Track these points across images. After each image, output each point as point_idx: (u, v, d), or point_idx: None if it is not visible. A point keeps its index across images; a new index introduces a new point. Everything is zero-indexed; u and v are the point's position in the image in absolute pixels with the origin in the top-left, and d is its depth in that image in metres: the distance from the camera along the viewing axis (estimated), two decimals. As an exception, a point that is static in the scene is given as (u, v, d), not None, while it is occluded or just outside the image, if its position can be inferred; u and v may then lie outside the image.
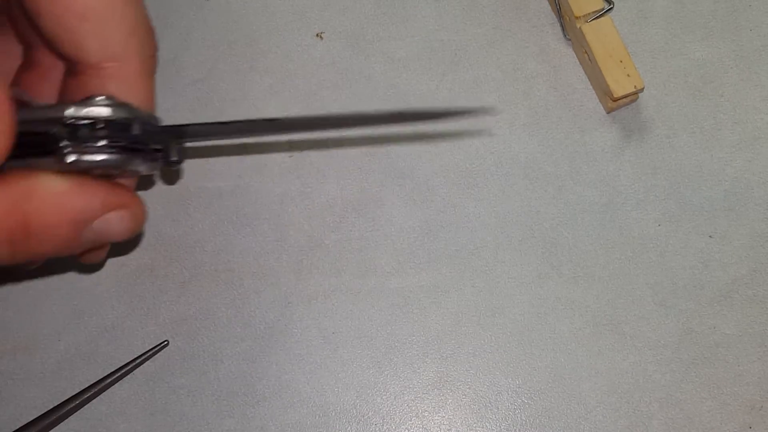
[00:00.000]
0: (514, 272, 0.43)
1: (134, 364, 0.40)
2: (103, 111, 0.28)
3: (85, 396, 0.40)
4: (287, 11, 0.47)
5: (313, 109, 0.45)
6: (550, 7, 0.47)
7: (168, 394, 0.41)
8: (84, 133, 0.28)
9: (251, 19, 0.47)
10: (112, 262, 0.43)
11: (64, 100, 0.33)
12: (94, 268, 0.43)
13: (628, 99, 0.44)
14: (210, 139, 0.33)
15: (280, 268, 0.43)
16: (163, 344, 0.41)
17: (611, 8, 0.44)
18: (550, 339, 0.42)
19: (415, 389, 0.41)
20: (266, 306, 0.42)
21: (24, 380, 0.42)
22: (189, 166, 0.45)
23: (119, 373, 0.40)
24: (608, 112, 0.45)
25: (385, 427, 0.41)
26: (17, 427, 0.39)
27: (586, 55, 0.44)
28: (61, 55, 0.32)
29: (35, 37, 0.35)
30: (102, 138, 0.28)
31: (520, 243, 0.43)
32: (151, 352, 0.41)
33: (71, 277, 0.43)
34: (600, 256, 0.43)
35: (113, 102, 0.28)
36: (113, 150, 0.28)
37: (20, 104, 0.27)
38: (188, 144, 0.32)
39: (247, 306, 0.42)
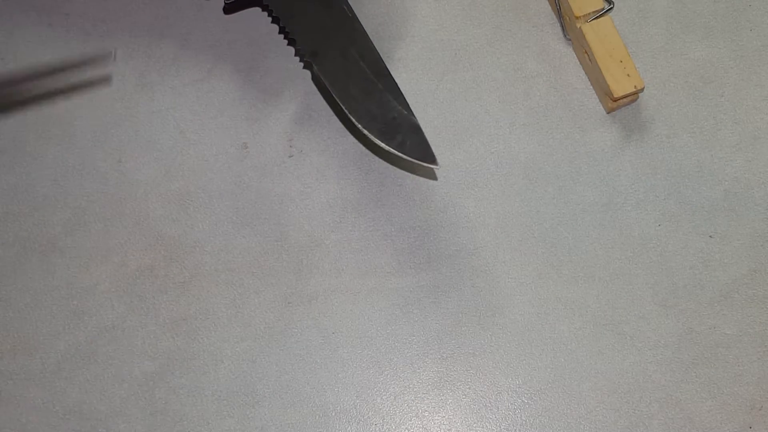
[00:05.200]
0: (514, 272, 0.43)
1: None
2: None
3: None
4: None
5: (313, 109, 0.45)
6: (550, 7, 0.47)
7: (168, 394, 0.41)
8: None
9: (251, 19, 0.47)
10: (112, 262, 0.43)
11: None
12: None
13: (628, 99, 0.44)
14: None
15: (280, 268, 0.43)
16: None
17: (611, 8, 0.44)
18: (550, 339, 0.42)
19: (415, 389, 0.41)
20: (266, 306, 0.42)
21: (24, 380, 0.41)
22: (189, 165, 0.45)
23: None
24: (608, 112, 0.45)
25: (385, 427, 0.41)
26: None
27: (586, 55, 0.44)
28: None
29: None
30: None
31: (520, 243, 0.43)
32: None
33: (71, 277, 0.43)
34: (600, 256, 0.43)
35: None
36: None
37: None
38: None
39: (247, 306, 0.42)
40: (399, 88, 0.41)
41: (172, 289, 0.43)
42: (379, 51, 0.46)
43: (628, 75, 0.42)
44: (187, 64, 0.46)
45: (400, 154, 0.40)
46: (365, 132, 0.40)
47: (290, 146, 0.45)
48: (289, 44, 0.44)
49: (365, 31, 0.42)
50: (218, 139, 0.45)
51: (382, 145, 0.40)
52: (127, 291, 0.43)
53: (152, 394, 0.41)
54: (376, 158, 0.44)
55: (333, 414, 0.41)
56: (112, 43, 0.46)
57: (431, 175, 0.44)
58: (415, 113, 0.45)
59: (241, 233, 0.43)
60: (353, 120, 0.40)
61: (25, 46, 0.47)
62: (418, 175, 0.44)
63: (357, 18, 0.43)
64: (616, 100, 0.43)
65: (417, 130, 0.40)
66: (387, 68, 0.42)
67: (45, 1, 0.47)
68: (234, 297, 0.43)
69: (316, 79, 0.45)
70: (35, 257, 0.43)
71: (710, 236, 0.43)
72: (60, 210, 0.44)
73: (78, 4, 0.47)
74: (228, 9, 0.46)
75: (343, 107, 0.41)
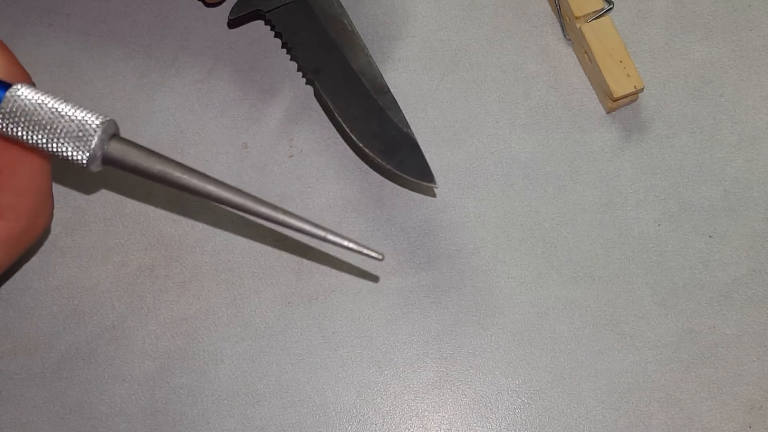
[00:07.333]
0: (514, 272, 0.43)
1: None
2: None
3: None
4: (287, 11, 0.47)
5: (313, 109, 0.45)
6: (550, 7, 0.47)
7: (168, 394, 0.41)
8: None
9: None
10: (112, 262, 0.43)
11: None
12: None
13: (628, 99, 0.44)
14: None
15: (280, 268, 0.43)
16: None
17: (611, 8, 0.44)
18: (550, 339, 0.42)
19: (415, 389, 0.41)
20: (266, 306, 0.42)
21: (24, 380, 0.42)
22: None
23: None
24: (608, 112, 0.45)
25: (385, 427, 0.41)
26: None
27: (586, 55, 0.44)
28: None
29: None
30: None
31: (520, 243, 0.43)
32: None
33: (71, 277, 0.43)
34: (600, 256, 0.43)
35: None
36: None
37: None
38: None
39: (248, 306, 0.42)
40: (398, 104, 0.42)
41: (172, 289, 0.43)
42: (379, 51, 0.46)
43: (627, 75, 0.42)
44: (187, 64, 0.46)
45: (399, 173, 0.40)
46: (366, 151, 0.41)
47: (290, 146, 0.45)
48: (291, 59, 0.45)
49: (365, 44, 0.43)
50: (218, 139, 0.45)
51: (382, 163, 0.40)
52: (128, 291, 0.43)
53: (152, 393, 0.41)
54: (376, 158, 0.45)
55: (333, 413, 0.41)
56: (112, 43, 0.46)
57: (430, 193, 0.44)
58: (415, 113, 0.45)
59: (241, 233, 0.43)
60: (354, 139, 0.41)
61: (25, 46, 0.47)
62: (416, 192, 0.44)
63: (357, 32, 0.43)
64: (615, 100, 0.43)
65: (416, 148, 0.41)
66: (386, 84, 0.42)
67: (45, 1, 0.47)
68: (234, 297, 0.43)
69: (318, 96, 0.45)
70: (35, 257, 0.43)
71: (710, 236, 0.43)
72: (60, 210, 0.44)
73: (78, 4, 0.47)
74: (232, 24, 0.46)
75: (345, 126, 0.41)
